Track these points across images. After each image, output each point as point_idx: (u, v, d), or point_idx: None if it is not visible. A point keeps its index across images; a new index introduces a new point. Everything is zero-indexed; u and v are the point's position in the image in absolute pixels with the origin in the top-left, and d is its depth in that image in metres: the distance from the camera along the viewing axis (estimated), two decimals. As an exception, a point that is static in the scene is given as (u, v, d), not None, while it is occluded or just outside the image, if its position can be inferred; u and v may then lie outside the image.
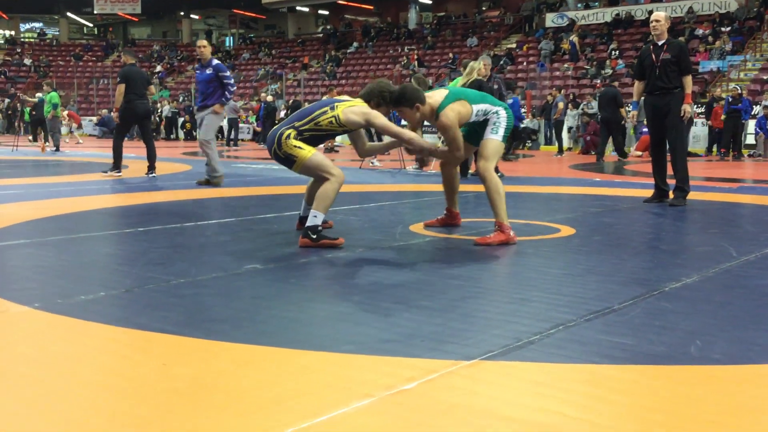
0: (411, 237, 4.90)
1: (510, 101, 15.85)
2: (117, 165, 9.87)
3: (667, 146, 7.00)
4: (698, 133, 17.94)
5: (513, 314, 2.98)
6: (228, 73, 8.82)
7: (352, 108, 4.49)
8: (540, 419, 1.93)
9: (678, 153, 6.93)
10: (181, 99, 30.96)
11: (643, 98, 7.32)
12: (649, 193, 7.16)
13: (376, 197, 7.54)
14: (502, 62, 25.74)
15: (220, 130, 26.51)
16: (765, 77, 20.18)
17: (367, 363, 2.37)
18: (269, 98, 23.02)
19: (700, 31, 23.80)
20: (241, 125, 25.04)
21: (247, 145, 23.60)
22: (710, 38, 23.13)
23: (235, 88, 9.23)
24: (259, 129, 23.93)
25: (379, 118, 4.49)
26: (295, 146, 4.44)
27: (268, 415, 1.95)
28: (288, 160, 4.47)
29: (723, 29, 23.47)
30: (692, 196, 6.98)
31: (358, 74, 30.53)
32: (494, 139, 4.72)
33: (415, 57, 29.14)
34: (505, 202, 4.65)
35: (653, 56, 6.90)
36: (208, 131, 8.83)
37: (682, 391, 2.15)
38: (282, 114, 24.24)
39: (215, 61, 8.83)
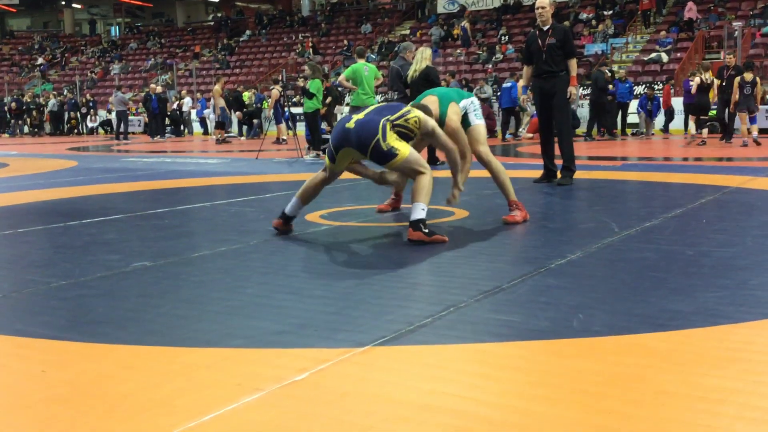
0: (307, 226, 4.86)
1: (508, 84, 17.13)
2: None
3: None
4: (583, 113, 18.58)
5: (406, 299, 3.01)
6: None
7: (424, 115, 4.46)
8: (429, 401, 1.95)
9: (564, 134, 7.17)
10: (65, 92, 29.61)
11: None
12: (538, 173, 7.39)
13: (272, 188, 7.46)
14: (396, 49, 25.90)
15: (109, 123, 25.65)
16: (645, 58, 21.15)
17: (258, 356, 2.34)
18: (158, 89, 22.29)
19: (584, 15, 24.69)
20: (131, 118, 24.19)
21: (138, 138, 22.84)
22: (594, 22, 24.03)
23: None
24: (147, 119, 23.11)
25: (443, 134, 4.45)
26: (396, 139, 4.25)
27: (153, 417, 1.89)
28: (389, 153, 4.20)
29: (605, 13, 24.43)
30: (578, 174, 7.25)
31: (252, 63, 30.05)
32: (480, 124, 4.89)
33: (310, 44, 28.92)
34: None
35: (539, 41, 7.10)
36: None
37: (564, 364, 2.23)
38: (175, 105, 23.58)
39: None
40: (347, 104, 10.82)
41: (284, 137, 17.12)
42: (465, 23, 25.96)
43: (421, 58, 8.71)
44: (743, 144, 12.43)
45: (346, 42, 28.18)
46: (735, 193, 6.16)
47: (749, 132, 12.58)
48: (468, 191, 6.87)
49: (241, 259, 3.90)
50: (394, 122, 4.30)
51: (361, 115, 4.35)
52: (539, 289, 3.09)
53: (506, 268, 3.51)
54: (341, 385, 2.08)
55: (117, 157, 13.93)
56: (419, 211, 4.12)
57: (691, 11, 22.02)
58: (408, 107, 4.48)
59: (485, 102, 18.74)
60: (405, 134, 4.37)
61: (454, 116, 4.72)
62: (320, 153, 11.79)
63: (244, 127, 21.10)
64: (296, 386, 2.07)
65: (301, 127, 16.12)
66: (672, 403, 1.92)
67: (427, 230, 4.11)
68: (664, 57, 20.68)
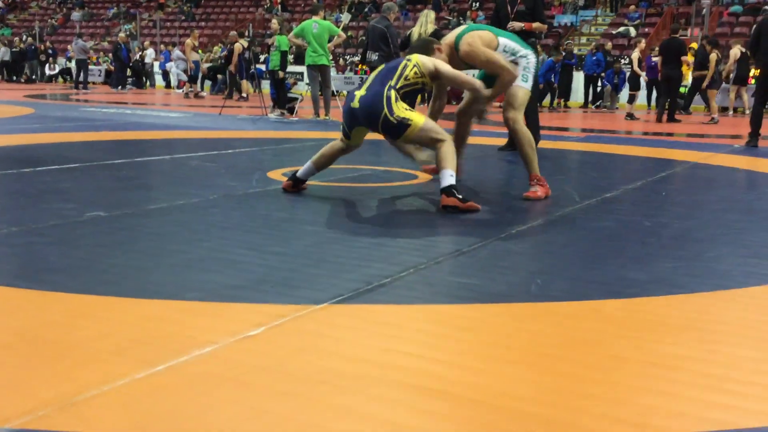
0: (268, 183, 4.80)
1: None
2: None
3: None
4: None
5: (366, 258, 2.99)
6: None
7: (422, 56, 4.24)
8: (384, 359, 1.94)
9: (530, 103, 7.15)
10: (25, 37, 28.66)
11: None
12: (503, 141, 7.39)
13: (235, 144, 7.34)
14: (366, 10, 25.59)
15: (69, 71, 24.95)
16: (613, 32, 21.21)
17: (213, 310, 2.29)
18: (121, 36, 21.68)
19: (555, -14, 24.61)
20: (91, 67, 23.57)
21: (97, 88, 22.30)
22: (565, -7, 23.98)
23: None
24: (113, 68, 22.47)
25: (447, 66, 4.21)
26: (406, 109, 4.05)
27: (103, 366, 1.84)
28: (401, 125, 4.02)
29: (577, -16, 24.39)
30: (542, 144, 7.27)
31: (219, 16, 29.42)
32: (524, 88, 4.44)
33: (279, 0, 28.39)
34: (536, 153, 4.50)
35: (508, 7, 7.06)
36: None
37: (521, 327, 2.23)
38: (137, 57, 22.99)
39: None
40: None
41: (245, 94, 16.86)
42: (436, -13, 25.68)
43: (426, 21, 8.59)
44: (711, 120, 12.60)
45: (315, 0, 27.71)
46: (695, 168, 6.24)
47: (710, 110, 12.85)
48: (432, 156, 6.85)
49: (200, 213, 3.83)
50: (397, 87, 4.10)
51: (362, 91, 4.14)
52: (499, 254, 3.10)
53: (467, 232, 3.51)
54: (296, 341, 2.05)
55: (76, 106, 13.58)
56: (448, 178, 4.00)
57: None
58: (405, 61, 4.19)
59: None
60: (415, 90, 4.19)
61: (469, 38, 4.30)
62: (285, 112, 11.63)
63: (208, 82, 20.69)
64: (251, 340, 2.04)
65: (265, 85, 15.87)
66: (626, 368, 1.94)
67: (461, 196, 3.99)
68: (632, 31, 20.78)
